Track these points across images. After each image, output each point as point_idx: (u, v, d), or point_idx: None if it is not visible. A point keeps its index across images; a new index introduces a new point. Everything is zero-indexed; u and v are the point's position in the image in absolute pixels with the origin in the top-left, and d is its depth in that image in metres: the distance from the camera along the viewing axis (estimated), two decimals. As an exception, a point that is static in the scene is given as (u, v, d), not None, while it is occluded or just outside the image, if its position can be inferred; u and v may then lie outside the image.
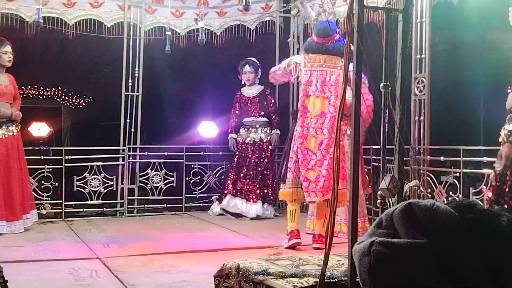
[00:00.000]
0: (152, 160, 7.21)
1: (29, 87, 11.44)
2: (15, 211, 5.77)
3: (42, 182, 6.68)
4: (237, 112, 7.27)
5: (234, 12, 7.46)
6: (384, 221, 1.11)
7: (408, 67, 5.11)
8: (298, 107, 5.30)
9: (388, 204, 4.09)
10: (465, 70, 7.32)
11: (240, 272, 3.16)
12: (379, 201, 3.07)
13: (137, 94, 7.16)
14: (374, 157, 6.04)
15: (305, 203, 5.99)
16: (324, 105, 5.15)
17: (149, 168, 7.21)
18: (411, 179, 5.20)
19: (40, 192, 6.62)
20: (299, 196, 5.21)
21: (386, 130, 3.19)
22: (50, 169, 6.74)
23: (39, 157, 6.68)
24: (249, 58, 7.14)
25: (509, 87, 3.46)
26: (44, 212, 6.57)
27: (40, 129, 7.52)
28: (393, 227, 1.09)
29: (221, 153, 7.65)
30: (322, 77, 5.18)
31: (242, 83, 7.25)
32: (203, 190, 7.56)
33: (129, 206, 7.08)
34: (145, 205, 7.20)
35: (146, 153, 7.24)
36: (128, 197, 7.08)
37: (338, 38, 5.25)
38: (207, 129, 7.79)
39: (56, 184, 6.75)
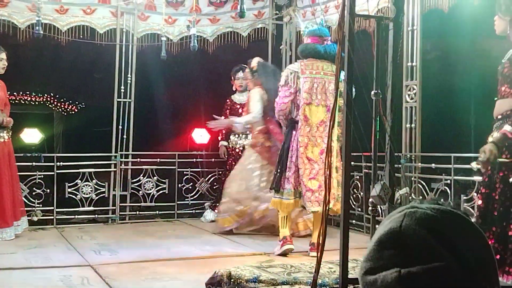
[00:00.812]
0: (144, 167, 7.20)
1: (21, 93, 11.39)
2: (6, 218, 5.75)
3: (34, 188, 6.65)
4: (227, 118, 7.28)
5: (227, 19, 7.48)
6: (389, 240, 0.99)
7: (399, 75, 5.16)
8: (296, 115, 5.19)
9: (380, 211, 4.11)
10: (456, 78, 7.37)
11: (232, 280, 3.17)
12: (370, 208, 3.08)
13: (130, 100, 7.15)
14: (365, 164, 6.06)
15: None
16: (324, 114, 5.11)
17: (141, 175, 7.20)
18: (402, 187, 5.23)
19: (31, 199, 6.60)
20: (297, 206, 5.23)
21: (377, 137, 3.21)
22: (42, 176, 6.72)
23: (30, 163, 6.66)
24: (242, 64, 7.17)
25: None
26: (35, 219, 6.53)
27: (31, 136, 7.49)
28: (402, 245, 0.97)
29: (213, 159, 7.65)
30: (321, 84, 5.14)
31: (234, 89, 7.26)
32: (195, 197, 7.56)
33: (121, 213, 7.06)
34: (137, 212, 7.18)
35: (138, 159, 7.23)
36: (120, 204, 7.06)
37: (331, 43, 5.25)
38: (200, 135, 7.80)
39: (48, 190, 6.72)
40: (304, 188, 5.11)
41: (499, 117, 3.47)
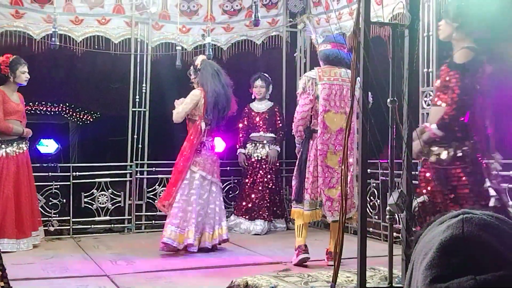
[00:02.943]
0: (159, 176, 7.19)
1: (37, 103, 11.49)
2: (24, 228, 5.78)
3: (50, 198, 6.68)
4: (245, 127, 7.29)
5: (241, 28, 7.49)
6: (454, 247, 0.97)
7: (416, 81, 5.11)
8: (313, 124, 5.13)
9: (397, 219, 4.07)
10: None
11: (249, 289, 3.15)
12: (388, 216, 3.05)
13: (144, 110, 7.17)
14: (382, 171, 6.01)
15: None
16: (343, 121, 4.94)
17: (157, 184, 7.20)
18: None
19: (48, 209, 6.63)
20: (317, 217, 5.16)
21: (394, 144, 3.18)
22: (58, 186, 6.75)
23: (47, 173, 6.70)
24: (261, 73, 7.16)
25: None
26: (52, 229, 6.57)
27: (48, 146, 7.55)
28: (469, 252, 0.95)
29: (228, 168, 7.64)
30: (339, 91, 5.07)
31: (252, 97, 7.27)
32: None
33: (136, 222, 7.07)
34: (153, 221, 7.17)
35: (154, 169, 7.23)
36: (136, 213, 7.07)
37: (347, 52, 5.22)
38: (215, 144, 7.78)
39: (64, 200, 6.75)
40: (324, 197, 5.03)
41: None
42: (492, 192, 3.57)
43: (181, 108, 5.78)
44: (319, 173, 5.06)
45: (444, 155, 3.55)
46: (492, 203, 3.56)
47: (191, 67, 5.95)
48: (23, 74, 5.88)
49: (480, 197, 3.50)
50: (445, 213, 1.06)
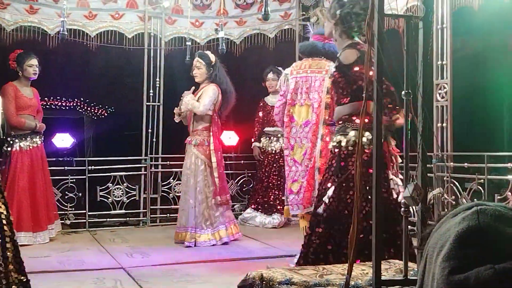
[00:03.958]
0: (174, 170, 7.23)
1: (51, 98, 11.54)
2: (40, 222, 5.84)
3: (66, 192, 6.74)
4: (260, 120, 7.30)
5: (254, 21, 7.48)
6: (471, 238, 0.98)
7: (430, 74, 5.09)
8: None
9: (412, 212, 4.06)
10: (488, 75, 7.25)
11: (264, 282, 3.16)
12: (402, 209, 3.04)
13: (158, 104, 7.21)
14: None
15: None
16: (308, 113, 4.93)
17: (171, 178, 7.24)
18: (434, 187, 5.16)
19: (64, 203, 6.69)
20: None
21: (409, 137, 3.17)
22: (74, 180, 6.81)
23: (63, 168, 6.75)
24: (274, 66, 7.16)
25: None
26: (68, 222, 6.63)
27: (63, 140, 7.60)
28: (487, 242, 0.97)
29: (242, 161, 7.67)
30: (307, 83, 4.96)
31: (269, 91, 7.31)
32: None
33: (151, 216, 7.12)
34: (168, 214, 7.21)
35: (168, 162, 7.27)
36: (151, 207, 7.12)
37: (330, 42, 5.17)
38: (228, 137, 7.81)
39: (80, 194, 6.81)
40: (286, 191, 5.01)
41: (340, 122, 3.86)
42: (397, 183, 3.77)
43: (207, 100, 5.86)
44: (285, 166, 5.07)
45: (343, 142, 3.78)
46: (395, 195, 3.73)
47: (199, 59, 5.98)
48: (30, 68, 5.91)
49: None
50: (457, 205, 1.07)
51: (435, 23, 5.42)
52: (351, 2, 3.83)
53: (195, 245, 5.68)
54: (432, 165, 5.33)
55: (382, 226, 3.73)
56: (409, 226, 3.04)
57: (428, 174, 3.35)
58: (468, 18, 5.97)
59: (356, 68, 3.74)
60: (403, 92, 3.04)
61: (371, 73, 3.63)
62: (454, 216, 1.00)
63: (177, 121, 6.19)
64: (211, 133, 5.93)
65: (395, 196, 3.80)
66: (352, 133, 3.76)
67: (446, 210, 5.47)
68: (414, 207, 3.22)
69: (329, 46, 4.98)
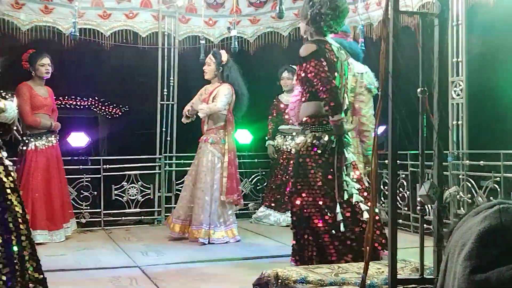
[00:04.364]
0: (188, 168, 7.22)
1: (66, 97, 11.63)
2: (56, 220, 5.88)
3: (81, 191, 6.78)
4: (274, 118, 7.30)
5: (267, 20, 7.47)
6: (493, 237, 0.96)
7: (445, 71, 5.06)
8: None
9: (428, 210, 4.04)
10: (503, 73, 7.18)
11: (279, 281, 3.16)
12: (418, 207, 3.03)
13: (172, 103, 7.23)
14: (411, 162, 5.97)
15: None
16: None
17: (185, 176, 7.24)
18: (450, 185, 5.13)
19: (79, 201, 6.73)
20: None
21: (425, 135, 3.15)
22: (89, 179, 6.85)
23: (78, 166, 6.79)
24: (289, 65, 7.16)
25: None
26: (83, 221, 6.67)
27: (78, 139, 7.64)
28: (509, 241, 0.95)
29: (256, 160, 7.67)
30: None
31: (284, 89, 7.31)
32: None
33: (166, 214, 7.13)
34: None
35: (182, 161, 7.28)
36: (165, 205, 7.14)
37: (353, 41, 5.19)
38: (242, 136, 7.81)
39: (95, 193, 6.85)
40: None
41: (304, 120, 3.99)
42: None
43: (223, 98, 5.92)
44: None
45: (299, 140, 3.95)
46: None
47: (211, 57, 6.01)
48: (42, 67, 5.95)
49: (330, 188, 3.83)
50: (479, 204, 1.06)
51: (450, 20, 5.39)
52: (320, 2, 3.93)
53: (208, 242, 5.71)
54: (447, 163, 5.29)
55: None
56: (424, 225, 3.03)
57: (444, 172, 3.34)
58: (483, 15, 5.92)
59: (312, 63, 3.83)
60: (418, 90, 3.03)
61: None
62: (476, 215, 0.99)
63: (184, 123, 6.25)
64: (226, 132, 5.97)
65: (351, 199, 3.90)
66: (309, 135, 3.91)
67: (461, 208, 5.44)
68: (430, 206, 3.22)
69: (352, 45, 5.01)
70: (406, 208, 6.20)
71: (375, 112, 2.91)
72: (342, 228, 3.80)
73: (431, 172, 3.03)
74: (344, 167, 3.90)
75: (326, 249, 3.85)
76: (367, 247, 2.80)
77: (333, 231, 3.83)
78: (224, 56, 6.04)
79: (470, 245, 0.94)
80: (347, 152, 3.96)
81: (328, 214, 3.85)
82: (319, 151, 3.88)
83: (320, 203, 3.86)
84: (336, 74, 3.92)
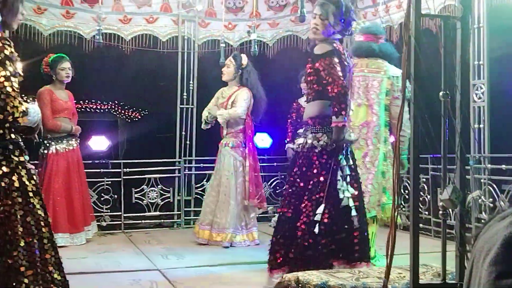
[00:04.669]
0: (207, 172, 7.26)
1: (86, 101, 11.74)
2: (77, 223, 5.92)
3: (102, 194, 6.83)
4: (293, 122, 7.29)
5: (286, 23, 7.47)
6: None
7: (467, 74, 5.01)
8: None
9: (450, 215, 4.01)
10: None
11: (300, 285, 3.15)
12: (441, 212, 3.00)
13: (192, 106, 7.26)
14: (432, 166, 5.92)
15: None
16: (367, 114, 4.82)
17: (205, 180, 7.28)
18: (472, 189, 5.07)
19: (100, 204, 6.78)
20: None
21: (447, 139, 3.13)
22: (109, 182, 6.90)
23: (98, 170, 6.84)
24: None
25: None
26: (104, 224, 6.71)
27: (99, 143, 7.71)
28: None
29: (275, 164, 7.66)
30: (364, 83, 4.84)
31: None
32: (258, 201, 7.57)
33: (185, 218, 7.17)
34: (201, 216, 7.24)
35: (202, 164, 7.31)
36: (185, 209, 7.16)
37: (386, 42, 5.12)
38: (261, 139, 7.82)
39: (115, 196, 6.89)
40: None
41: (306, 121, 4.05)
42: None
43: (243, 103, 5.96)
44: None
45: (299, 141, 4.02)
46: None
47: (231, 59, 6.04)
48: (62, 71, 6.00)
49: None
50: (500, 209, 1.05)
51: (471, 22, 5.34)
52: (347, 7, 3.94)
53: (231, 245, 5.73)
54: (469, 167, 5.24)
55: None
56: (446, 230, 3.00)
57: (466, 176, 3.31)
58: (505, 17, 5.86)
59: (327, 60, 3.83)
60: (441, 93, 3.00)
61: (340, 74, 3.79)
62: (502, 220, 0.98)
63: (204, 129, 6.28)
64: (245, 136, 5.99)
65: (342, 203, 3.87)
66: (309, 136, 3.95)
67: (483, 213, 5.38)
68: (452, 210, 3.19)
69: (385, 47, 4.92)
70: (426, 212, 6.15)
71: (399, 117, 2.87)
72: (316, 229, 3.76)
73: (453, 176, 3.00)
74: (340, 170, 3.89)
75: (307, 251, 3.81)
76: (389, 251, 2.78)
77: (315, 232, 3.78)
78: (245, 59, 6.06)
79: (496, 250, 0.93)
80: (345, 156, 3.94)
81: (310, 215, 3.83)
82: (317, 152, 3.88)
83: (306, 203, 3.85)
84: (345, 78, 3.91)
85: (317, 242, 3.79)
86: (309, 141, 3.93)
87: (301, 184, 3.93)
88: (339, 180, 3.85)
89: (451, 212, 4.11)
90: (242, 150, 5.98)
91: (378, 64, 4.85)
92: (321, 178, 3.85)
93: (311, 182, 3.87)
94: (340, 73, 3.82)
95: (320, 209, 3.77)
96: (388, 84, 4.76)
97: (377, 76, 4.83)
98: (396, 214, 2.93)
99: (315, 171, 3.87)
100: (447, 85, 3.06)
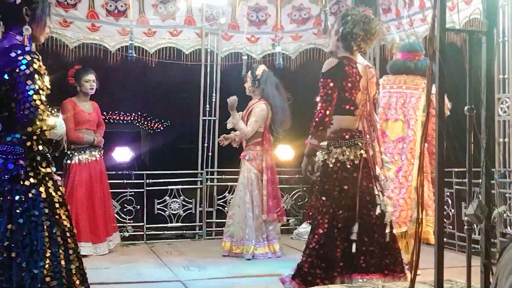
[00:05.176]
0: (229, 184, 7.28)
1: (110, 112, 11.87)
2: (99, 233, 5.97)
3: (125, 205, 6.89)
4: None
5: (309, 36, 7.50)
6: None
7: (492, 88, 4.97)
8: None
9: (475, 230, 3.97)
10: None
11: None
12: (466, 227, 2.98)
13: (214, 118, 7.30)
14: (456, 180, 5.87)
15: None
16: (403, 129, 4.93)
17: (227, 191, 7.30)
18: (497, 203, 5.01)
19: (123, 215, 6.83)
20: None
21: (472, 153, 3.10)
22: (132, 193, 6.95)
23: (122, 181, 6.89)
24: None
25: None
26: (126, 234, 6.75)
27: (123, 154, 7.77)
28: None
29: (297, 176, 7.65)
30: (402, 99, 4.98)
31: None
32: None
33: (207, 229, 7.18)
34: (223, 228, 7.23)
35: (224, 176, 7.33)
36: (207, 220, 7.18)
37: (423, 59, 5.13)
38: (283, 152, 7.81)
39: (138, 207, 6.94)
40: None
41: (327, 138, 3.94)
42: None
43: (253, 122, 5.98)
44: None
45: (328, 160, 3.91)
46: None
47: (249, 73, 6.08)
48: (86, 83, 6.09)
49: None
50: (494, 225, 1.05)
51: (495, 36, 5.30)
52: (353, 21, 3.90)
53: (253, 257, 5.74)
54: (494, 182, 5.18)
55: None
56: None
57: (492, 191, 3.27)
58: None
59: (323, 81, 3.81)
60: (466, 108, 2.99)
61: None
62: None
63: (221, 145, 6.30)
64: (263, 149, 5.98)
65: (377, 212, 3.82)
66: (334, 151, 3.89)
67: (508, 227, 5.31)
68: (478, 225, 3.16)
69: (421, 64, 4.96)
70: (450, 226, 6.09)
71: (423, 131, 2.87)
72: (353, 249, 3.71)
73: (478, 190, 2.97)
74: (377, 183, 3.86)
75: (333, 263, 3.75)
76: (413, 266, 2.76)
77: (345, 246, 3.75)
78: (259, 70, 6.06)
79: None
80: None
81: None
82: (331, 166, 3.87)
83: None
84: (359, 91, 3.89)
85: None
86: (335, 156, 3.90)
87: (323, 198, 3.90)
88: (377, 195, 3.80)
89: (475, 227, 4.07)
90: (259, 163, 5.96)
91: (417, 81, 4.96)
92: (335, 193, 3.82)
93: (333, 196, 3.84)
94: (329, 96, 3.80)
95: (355, 228, 3.73)
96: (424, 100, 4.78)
97: (415, 93, 4.94)
98: (420, 229, 2.91)
99: (329, 183, 3.86)
100: (472, 99, 3.05)
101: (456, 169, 5.56)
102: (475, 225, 3.25)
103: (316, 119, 3.81)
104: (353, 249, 3.67)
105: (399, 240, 4.67)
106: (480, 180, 3.00)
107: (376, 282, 3.62)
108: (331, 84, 3.78)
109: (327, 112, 3.78)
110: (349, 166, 3.83)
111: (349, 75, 3.83)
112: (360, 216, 3.75)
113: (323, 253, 3.69)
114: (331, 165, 3.87)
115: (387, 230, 3.79)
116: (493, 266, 2.84)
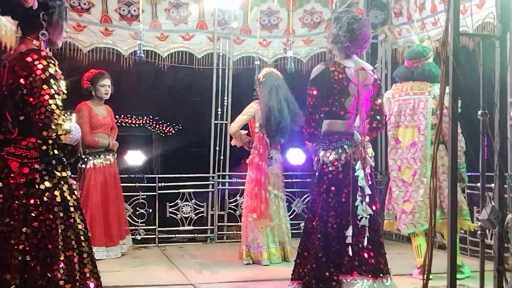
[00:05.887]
0: (240, 187, 7.28)
1: (122, 116, 11.93)
2: (113, 237, 6.00)
3: (137, 208, 6.92)
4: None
5: (321, 40, 7.50)
6: None
7: (505, 92, 4.95)
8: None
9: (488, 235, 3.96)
10: None
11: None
12: (479, 232, 2.97)
13: (226, 122, 7.31)
14: (469, 184, 5.84)
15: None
16: (414, 135, 5.13)
17: (238, 195, 7.31)
18: (510, 208, 4.98)
19: (135, 218, 6.86)
20: (393, 228, 5.24)
21: (485, 157, 3.10)
22: (145, 196, 6.98)
23: (134, 184, 6.93)
24: None
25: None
26: (138, 237, 6.78)
27: (135, 158, 7.81)
28: None
29: (308, 179, 7.65)
30: (410, 105, 5.16)
31: None
32: (291, 217, 7.55)
33: (219, 232, 7.20)
34: (235, 231, 7.25)
35: (235, 180, 7.34)
36: (218, 223, 7.20)
37: (429, 62, 5.17)
38: (295, 155, 7.81)
39: (150, 210, 6.97)
40: (399, 211, 5.16)
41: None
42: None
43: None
44: (393, 187, 5.24)
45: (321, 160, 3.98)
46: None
47: (255, 78, 6.12)
48: (102, 88, 6.12)
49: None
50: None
51: (508, 40, 5.27)
52: (339, 24, 3.97)
53: (264, 261, 5.71)
54: (508, 186, 5.16)
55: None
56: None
57: (504, 196, 3.26)
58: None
59: (307, 90, 3.92)
60: (479, 112, 2.99)
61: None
62: None
63: (232, 144, 6.31)
64: (257, 151, 5.94)
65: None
66: (322, 153, 3.98)
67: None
68: (491, 230, 3.15)
69: (423, 68, 5.15)
70: (463, 231, 6.05)
71: (435, 134, 2.87)
72: (350, 252, 3.74)
73: (491, 195, 2.97)
74: (360, 191, 3.88)
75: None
76: (426, 271, 2.76)
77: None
78: (261, 73, 6.05)
79: None
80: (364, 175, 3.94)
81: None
82: (330, 168, 3.92)
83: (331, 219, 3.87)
84: (348, 95, 3.92)
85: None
86: (321, 158, 3.97)
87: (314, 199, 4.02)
88: (358, 204, 3.83)
89: (488, 232, 4.06)
90: (255, 167, 5.93)
91: (422, 86, 5.14)
92: (330, 193, 3.88)
93: (321, 197, 3.88)
94: (313, 104, 3.91)
95: (350, 231, 3.76)
96: (434, 103, 5.02)
97: (422, 97, 5.12)
98: (433, 232, 2.91)
99: (324, 186, 3.90)
100: (485, 103, 3.05)
101: (469, 173, 5.53)
102: (488, 230, 3.25)
103: (304, 131, 4.03)
104: (350, 252, 3.72)
105: (420, 237, 5.09)
106: (493, 185, 3.00)
107: (367, 282, 3.66)
108: (315, 93, 3.88)
109: (313, 124, 3.95)
110: (332, 169, 3.87)
111: (336, 80, 3.87)
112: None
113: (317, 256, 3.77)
114: (319, 167, 3.98)
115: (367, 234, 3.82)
116: (507, 270, 2.84)
